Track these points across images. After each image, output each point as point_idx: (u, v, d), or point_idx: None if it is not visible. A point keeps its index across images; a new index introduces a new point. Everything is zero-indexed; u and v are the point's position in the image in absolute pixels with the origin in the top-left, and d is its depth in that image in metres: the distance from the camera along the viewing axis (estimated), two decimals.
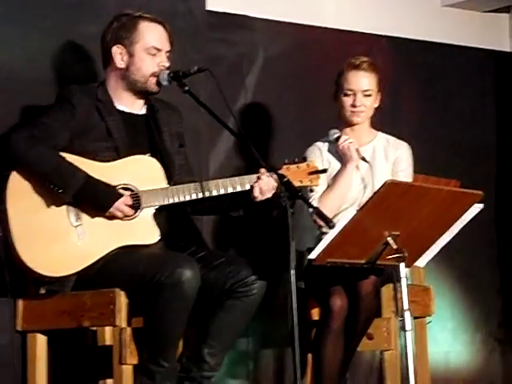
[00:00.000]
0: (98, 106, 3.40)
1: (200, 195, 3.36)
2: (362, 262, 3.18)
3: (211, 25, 4.20)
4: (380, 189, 3.03)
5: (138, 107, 3.51)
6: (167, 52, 3.46)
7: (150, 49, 3.43)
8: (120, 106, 3.47)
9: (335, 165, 3.87)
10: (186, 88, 3.31)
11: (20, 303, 3.43)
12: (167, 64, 3.44)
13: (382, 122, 3.98)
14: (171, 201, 3.35)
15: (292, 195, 3.09)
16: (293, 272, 2.99)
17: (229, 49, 4.31)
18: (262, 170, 3.35)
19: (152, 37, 3.42)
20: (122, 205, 3.25)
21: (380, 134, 3.97)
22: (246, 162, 4.24)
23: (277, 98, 4.41)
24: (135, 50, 3.43)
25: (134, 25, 3.41)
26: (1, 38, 3.58)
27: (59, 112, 3.36)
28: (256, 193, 3.35)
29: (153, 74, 3.42)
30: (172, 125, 3.56)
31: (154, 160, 3.41)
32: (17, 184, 3.27)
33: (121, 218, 3.27)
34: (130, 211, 3.26)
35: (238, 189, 3.37)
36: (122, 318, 3.25)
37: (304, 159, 3.48)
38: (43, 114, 3.35)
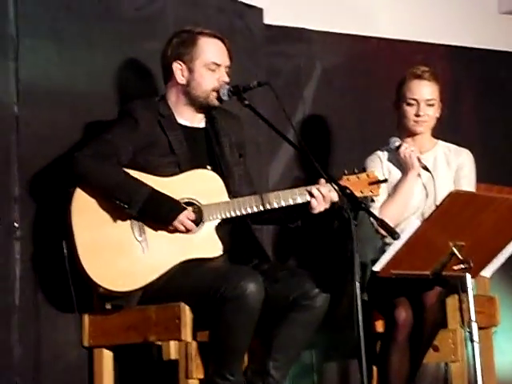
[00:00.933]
0: (160, 120, 3.41)
1: (261, 208, 3.37)
2: (428, 273, 3.19)
3: (269, 38, 4.24)
4: (445, 199, 3.03)
5: (198, 121, 3.53)
6: (227, 67, 3.47)
7: (210, 64, 3.44)
8: (181, 120, 3.49)
9: (396, 173, 3.86)
10: (246, 102, 3.33)
11: (86, 319, 3.46)
12: (227, 79, 3.45)
13: (442, 131, 3.96)
14: (233, 214, 3.36)
15: (355, 206, 3.07)
16: (357, 284, 2.97)
17: (286, 62, 4.36)
18: (322, 181, 3.35)
19: (212, 52, 3.44)
20: (184, 218, 3.27)
21: (440, 142, 3.95)
22: (305, 174, 4.27)
23: (335, 109, 4.44)
24: (195, 66, 3.44)
25: (193, 41, 3.43)
26: (63, 55, 3.63)
27: (122, 127, 3.38)
28: (313, 204, 3.35)
29: (213, 89, 3.43)
30: (232, 134, 3.56)
31: (214, 174, 3.44)
32: (81, 200, 3.30)
33: (183, 232, 3.28)
34: (192, 226, 3.29)
35: (299, 201, 3.38)
36: (187, 333, 3.26)
37: (364, 169, 3.48)
38: (106, 130, 3.38)
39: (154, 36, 3.77)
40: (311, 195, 3.34)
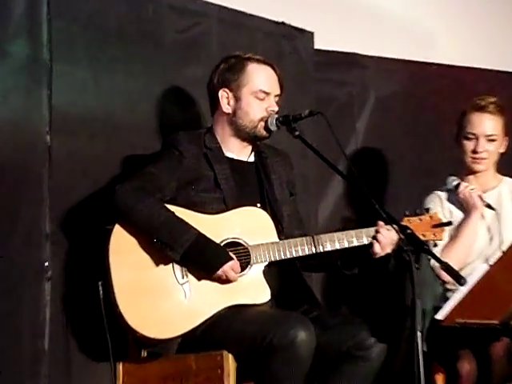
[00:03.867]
0: (206, 153, 3.44)
1: (313, 250, 3.36)
2: (495, 322, 3.18)
3: (319, 64, 4.25)
4: None
5: (246, 154, 3.54)
6: (276, 96, 3.48)
7: (258, 92, 3.46)
8: (228, 153, 3.50)
9: (457, 214, 3.86)
10: (297, 133, 3.33)
11: (120, 367, 3.45)
12: (276, 108, 3.47)
13: (508, 167, 3.95)
14: (283, 256, 3.35)
15: (417, 249, 3.01)
16: (419, 334, 2.94)
17: (338, 89, 4.38)
18: (380, 223, 3.33)
19: (260, 80, 3.45)
20: (229, 269, 3.26)
21: (506, 178, 3.96)
22: (356, 212, 4.29)
23: (390, 141, 4.42)
24: (242, 94, 3.46)
25: (241, 67, 3.46)
26: (100, 82, 3.66)
27: (167, 161, 3.38)
28: (376, 248, 3.34)
29: (261, 119, 3.44)
30: (282, 172, 3.56)
31: (263, 212, 3.42)
32: (120, 238, 3.30)
33: (225, 283, 3.31)
34: (235, 278, 3.28)
35: (355, 243, 3.37)
36: (230, 383, 3.24)
37: (427, 210, 3.45)
38: (150, 164, 3.38)
39: (197, 62, 3.83)
40: (374, 239, 3.33)
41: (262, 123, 3.46)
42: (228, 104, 3.49)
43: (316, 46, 4.25)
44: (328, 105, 4.27)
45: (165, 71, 3.78)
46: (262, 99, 3.48)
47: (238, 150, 3.51)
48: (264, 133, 3.47)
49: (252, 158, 3.57)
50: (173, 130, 3.54)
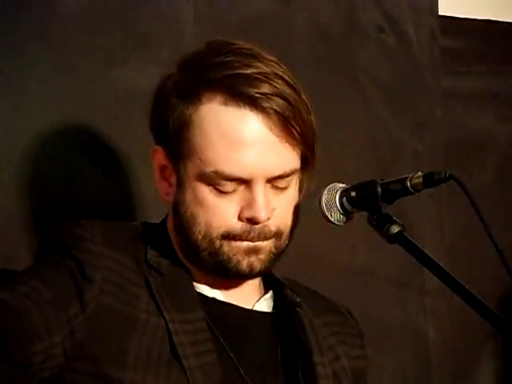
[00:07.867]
0: (148, 279, 2.12)
1: None
2: None
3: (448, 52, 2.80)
4: None
5: (249, 292, 2.22)
6: (274, 179, 2.07)
7: (212, 177, 2.05)
8: (203, 287, 2.18)
9: None
10: (397, 230, 2.05)
11: None
12: (264, 215, 2.03)
13: None
14: None
15: None
16: None
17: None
18: None
19: (216, 146, 2.07)
20: None
21: None
22: None
23: None
24: (186, 173, 2.06)
25: (191, 101, 2.06)
26: None
27: (48, 285, 2.08)
28: None
29: (224, 236, 2.05)
30: (339, 349, 2.35)
31: None
32: None
33: None
34: None
35: None
36: None
37: None
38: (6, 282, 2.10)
39: (144, 55, 2.44)
40: None
41: (233, 247, 2.09)
42: (167, 181, 2.10)
43: (442, 12, 2.83)
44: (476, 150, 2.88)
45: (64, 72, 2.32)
46: (226, 192, 2.06)
47: (227, 282, 2.21)
48: (243, 268, 2.11)
49: (264, 304, 2.22)
50: (67, 215, 2.24)
